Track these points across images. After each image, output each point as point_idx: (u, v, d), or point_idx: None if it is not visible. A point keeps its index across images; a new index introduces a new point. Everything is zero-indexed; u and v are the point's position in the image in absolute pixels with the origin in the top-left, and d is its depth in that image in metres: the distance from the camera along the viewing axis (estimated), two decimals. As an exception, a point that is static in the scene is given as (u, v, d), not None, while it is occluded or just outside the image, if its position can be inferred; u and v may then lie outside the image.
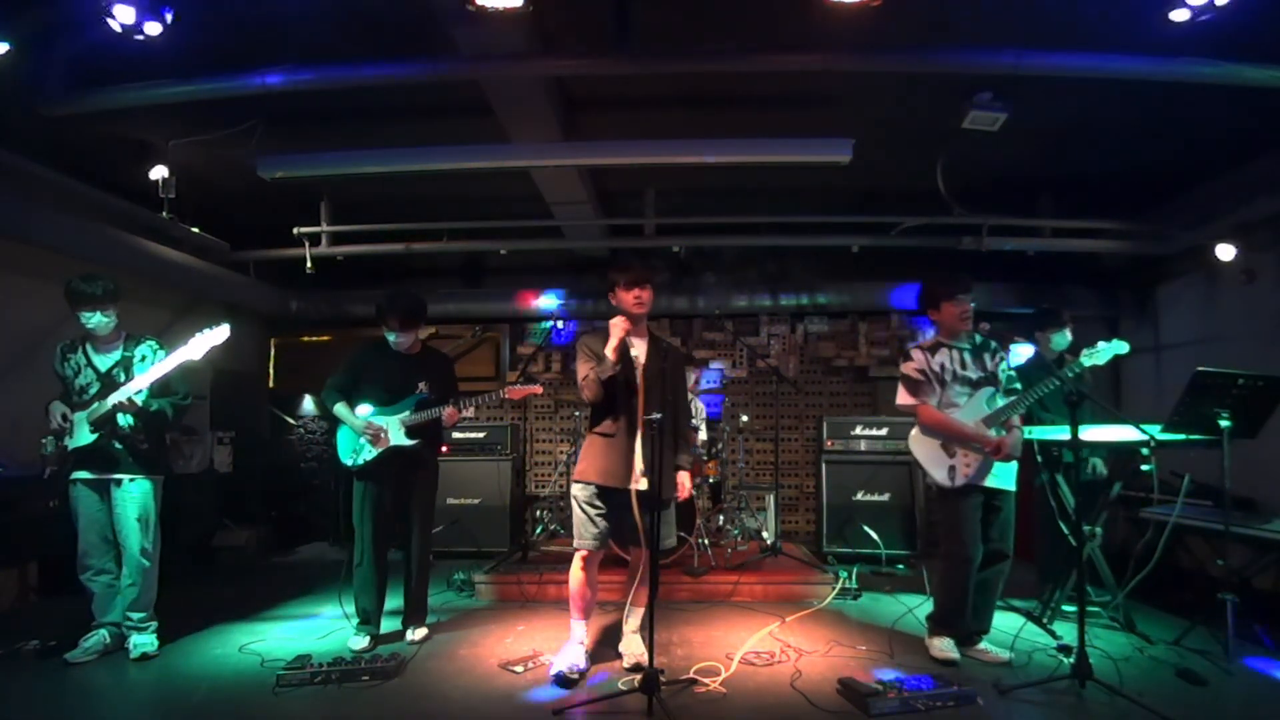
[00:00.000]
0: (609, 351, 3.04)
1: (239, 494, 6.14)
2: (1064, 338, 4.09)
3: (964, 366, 3.39)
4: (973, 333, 3.45)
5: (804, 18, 3.20)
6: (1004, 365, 3.44)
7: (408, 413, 3.60)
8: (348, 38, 3.51)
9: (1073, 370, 3.27)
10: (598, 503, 3.16)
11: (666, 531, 3.23)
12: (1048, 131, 4.45)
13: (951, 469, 3.30)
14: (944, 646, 3.35)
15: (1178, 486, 3.76)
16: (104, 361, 3.45)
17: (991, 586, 3.38)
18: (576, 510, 3.21)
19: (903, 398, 3.43)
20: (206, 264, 5.54)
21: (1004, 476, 3.33)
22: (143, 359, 3.48)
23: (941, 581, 3.42)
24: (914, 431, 3.47)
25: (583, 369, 3.14)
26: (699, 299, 6.53)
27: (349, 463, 3.61)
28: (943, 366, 3.39)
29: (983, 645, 3.39)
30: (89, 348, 3.47)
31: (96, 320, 3.36)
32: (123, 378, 3.41)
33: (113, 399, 3.30)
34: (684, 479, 3.28)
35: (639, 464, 3.09)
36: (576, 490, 3.22)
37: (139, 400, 3.35)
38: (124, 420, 3.36)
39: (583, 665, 3.17)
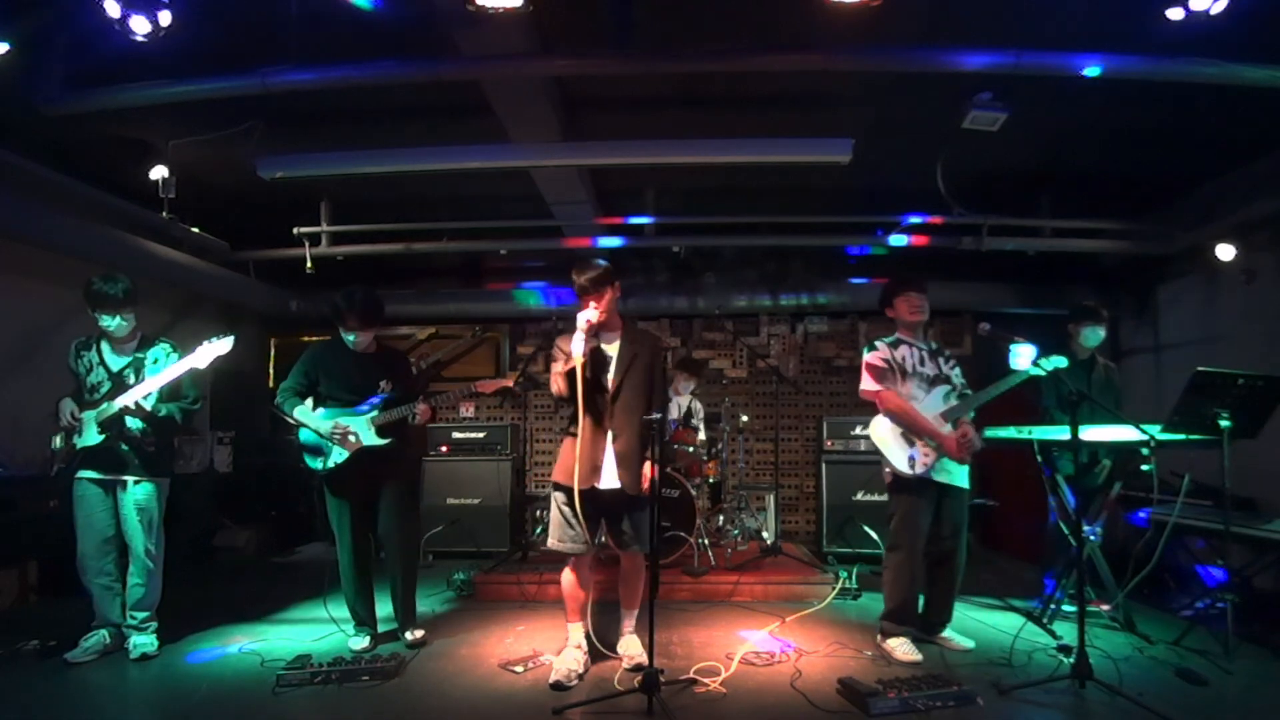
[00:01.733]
0: (572, 347, 3.00)
1: (239, 494, 6.14)
2: (1096, 335, 4.06)
3: (921, 364, 3.52)
4: (926, 337, 3.60)
5: (803, 18, 3.20)
6: (955, 369, 3.58)
7: (376, 412, 3.53)
8: (348, 38, 3.51)
9: (1022, 377, 3.33)
10: (569, 507, 3.11)
11: (643, 534, 3.12)
12: (1048, 131, 4.45)
13: (912, 458, 3.39)
14: (905, 649, 3.37)
15: (1178, 486, 3.76)
16: (117, 361, 3.46)
17: (950, 580, 3.47)
18: (554, 512, 3.19)
19: (867, 384, 3.52)
20: (206, 264, 5.54)
21: (958, 473, 3.42)
22: (155, 361, 3.48)
23: (894, 576, 3.45)
24: (876, 419, 3.54)
25: (554, 366, 3.13)
26: (699, 299, 6.53)
27: (318, 467, 3.51)
28: (904, 359, 3.51)
29: (945, 634, 3.48)
30: (104, 346, 3.48)
31: (116, 324, 3.38)
32: (133, 379, 3.42)
33: (119, 402, 3.31)
34: (646, 469, 3.10)
35: (608, 462, 3.09)
36: (553, 493, 3.21)
37: (147, 405, 3.36)
38: (132, 423, 3.37)
39: (580, 670, 3.15)
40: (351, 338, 3.58)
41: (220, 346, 3.40)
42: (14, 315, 4.68)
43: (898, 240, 5.44)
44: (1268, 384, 3.26)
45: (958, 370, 3.59)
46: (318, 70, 3.48)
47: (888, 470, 3.47)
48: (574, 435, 3.12)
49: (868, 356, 3.56)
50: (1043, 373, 3.33)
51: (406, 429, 3.65)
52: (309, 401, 3.59)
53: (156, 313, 5.64)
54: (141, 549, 3.39)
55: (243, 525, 5.99)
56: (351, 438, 3.50)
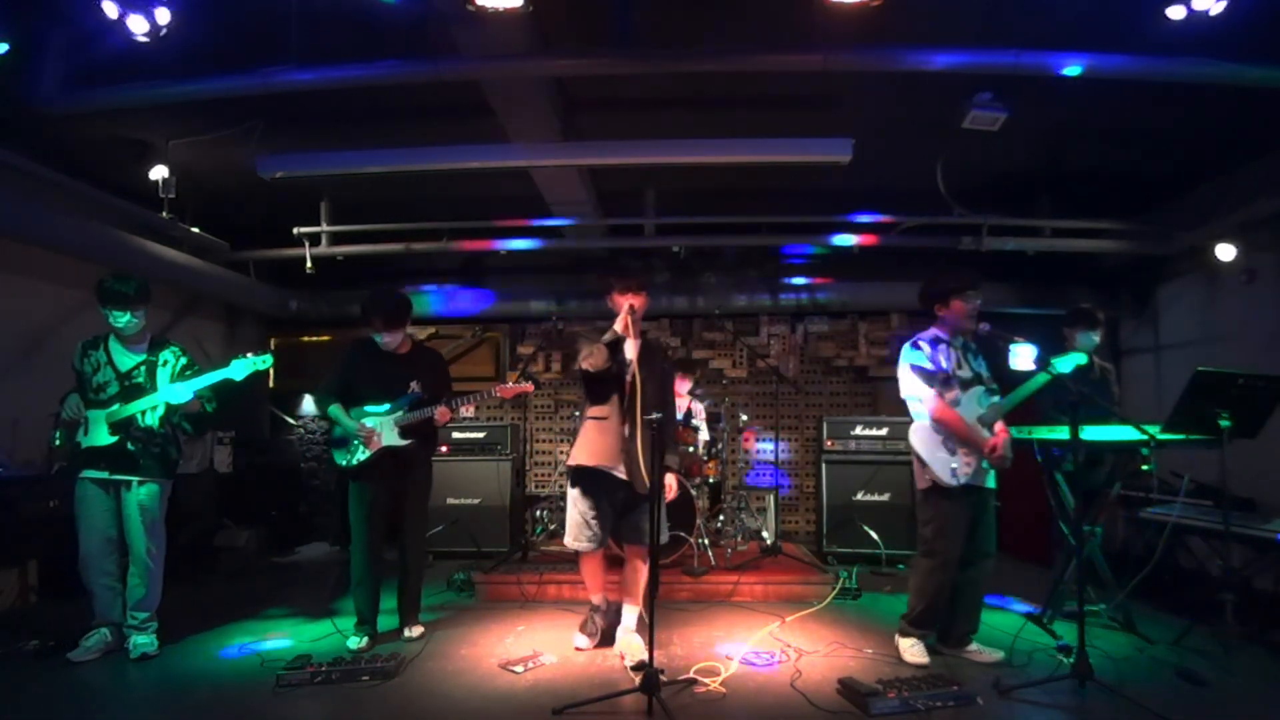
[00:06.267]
0: (617, 326, 3.21)
1: (239, 494, 6.14)
2: (1090, 340, 4.03)
3: (959, 366, 3.40)
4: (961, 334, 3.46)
5: (804, 18, 3.20)
6: (984, 366, 3.48)
7: (401, 413, 3.59)
8: (348, 38, 3.51)
9: (1054, 371, 3.27)
10: (589, 500, 3.28)
11: (646, 529, 3.18)
12: (1048, 131, 4.45)
13: (954, 468, 3.27)
14: (916, 650, 3.34)
15: (1178, 486, 3.76)
16: (125, 362, 3.48)
17: (978, 585, 3.38)
18: (571, 510, 3.34)
19: (917, 388, 3.35)
20: (206, 264, 5.54)
21: (988, 475, 3.36)
22: (164, 363, 3.52)
23: (924, 582, 3.35)
24: (919, 424, 3.40)
25: (586, 347, 3.25)
26: (699, 299, 6.53)
27: (342, 463, 3.61)
28: (945, 363, 3.39)
29: (973, 645, 3.38)
30: (112, 346, 3.49)
31: (126, 320, 3.40)
32: (143, 379, 3.46)
33: (135, 405, 3.39)
34: (670, 480, 3.38)
35: (638, 456, 3.21)
36: (572, 492, 3.34)
37: (157, 412, 3.46)
38: (150, 420, 3.43)
39: (601, 624, 3.48)
40: (379, 338, 3.64)
41: (258, 363, 3.50)
42: (14, 315, 4.68)
43: (898, 240, 5.44)
44: (1268, 384, 3.26)
45: (984, 364, 3.47)
46: (318, 70, 3.48)
47: (926, 477, 3.35)
48: (598, 419, 3.30)
49: (913, 358, 3.37)
50: (1070, 368, 3.26)
51: (432, 430, 3.73)
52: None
53: (157, 313, 5.62)
54: (143, 549, 3.40)
55: (243, 525, 5.98)
56: (375, 437, 3.56)
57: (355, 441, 3.56)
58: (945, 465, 3.29)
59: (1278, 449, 3.58)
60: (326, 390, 3.67)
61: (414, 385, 3.61)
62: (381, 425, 3.58)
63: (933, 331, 3.46)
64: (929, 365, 3.35)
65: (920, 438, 3.38)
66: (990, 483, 3.35)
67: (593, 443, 3.30)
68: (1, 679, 3.13)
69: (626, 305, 3.23)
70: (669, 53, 3.50)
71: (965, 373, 3.40)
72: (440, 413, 3.57)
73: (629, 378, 3.24)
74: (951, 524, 3.28)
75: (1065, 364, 3.28)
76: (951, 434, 3.30)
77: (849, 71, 3.50)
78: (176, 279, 5.32)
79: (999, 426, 3.34)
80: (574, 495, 3.33)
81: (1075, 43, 3.35)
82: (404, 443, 3.58)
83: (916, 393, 3.36)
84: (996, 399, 3.40)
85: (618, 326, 3.20)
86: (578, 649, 3.46)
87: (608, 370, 3.21)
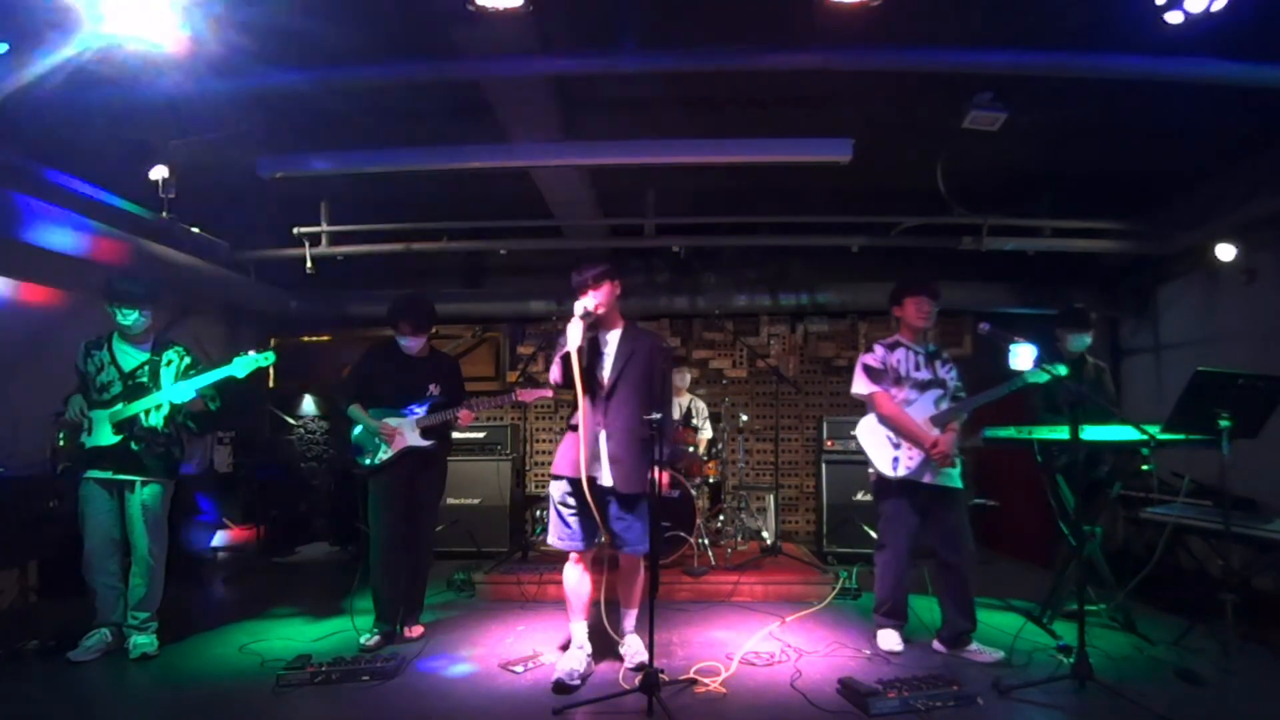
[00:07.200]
0: (568, 334, 3.01)
1: (239, 494, 6.14)
2: (1082, 341, 4.04)
3: (916, 368, 3.55)
4: (926, 340, 3.62)
5: (804, 17, 3.20)
6: (954, 374, 3.60)
7: (423, 414, 3.64)
8: (348, 38, 3.51)
9: (1023, 382, 3.34)
10: (570, 500, 3.14)
11: (637, 534, 3.14)
12: (1048, 131, 4.45)
13: (895, 460, 3.42)
14: (886, 640, 3.49)
15: (1178, 486, 3.75)
16: (129, 361, 3.49)
17: (962, 586, 3.41)
18: (551, 510, 3.24)
19: (862, 385, 3.58)
20: (206, 264, 5.54)
21: (947, 475, 3.42)
22: (168, 363, 3.55)
23: (880, 574, 3.55)
24: (865, 420, 3.59)
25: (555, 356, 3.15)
26: (699, 299, 6.53)
27: (365, 463, 3.65)
28: (898, 363, 3.55)
29: (974, 645, 3.40)
30: (115, 346, 3.51)
31: (134, 319, 3.44)
32: (147, 379, 3.47)
33: (139, 404, 3.40)
34: (660, 476, 3.13)
35: (602, 458, 3.11)
36: (551, 489, 3.23)
37: (161, 412, 3.46)
38: (153, 420, 3.43)
39: (582, 670, 3.13)
40: (404, 341, 3.69)
41: (260, 360, 3.51)
42: (14, 315, 4.68)
43: (898, 240, 5.44)
44: (1268, 384, 3.25)
45: (954, 373, 3.60)
46: (318, 70, 3.48)
47: (872, 471, 3.53)
48: (574, 428, 3.13)
49: (863, 357, 3.61)
50: (1044, 379, 3.26)
51: (448, 431, 3.80)
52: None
53: (157, 313, 5.63)
54: (145, 549, 3.41)
55: (243, 525, 5.98)
56: (399, 437, 3.61)
57: (378, 440, 3.61)
58: (888, 457, 3.45)
59: (1278, 449, 3.58)
60: (346, 390, 3.72)
61: (433, 388, 3.68)
62: (402, 426, 3.63)
63: (894, 338, 3.64)
64: (876, 364, 3.55)
65: (864, 431, 3.58)
66: (950, 482, 3.42)
67: (568, 451, 3.13)
68: (1, 679, 3.14)
69: (580, 309, 3.04)
70: (669, 53, 3.50)
71: (923, 375, 3.53)
72: (464, 415, 3.66)
73: (602, 375, 3.15)
74: (896, 517, 3.46)
75: (1039, 376, 3.28)
76: (895, 428, 3.46)
77: (849, 71, 3.50)
78: (176, 279, 5.31)
79: (950, 428, 3.44)
80: (554, 494, 3.20)
81: (1076, 43, 3.35)
82: (426, 444, 3.65)
83: (862, 389, 3.57)
84: (954, 403, 3.50)
85: (570, 339, 2.99)
86: (557, 683, 3.02)
87: (571, 383, 3.03)
